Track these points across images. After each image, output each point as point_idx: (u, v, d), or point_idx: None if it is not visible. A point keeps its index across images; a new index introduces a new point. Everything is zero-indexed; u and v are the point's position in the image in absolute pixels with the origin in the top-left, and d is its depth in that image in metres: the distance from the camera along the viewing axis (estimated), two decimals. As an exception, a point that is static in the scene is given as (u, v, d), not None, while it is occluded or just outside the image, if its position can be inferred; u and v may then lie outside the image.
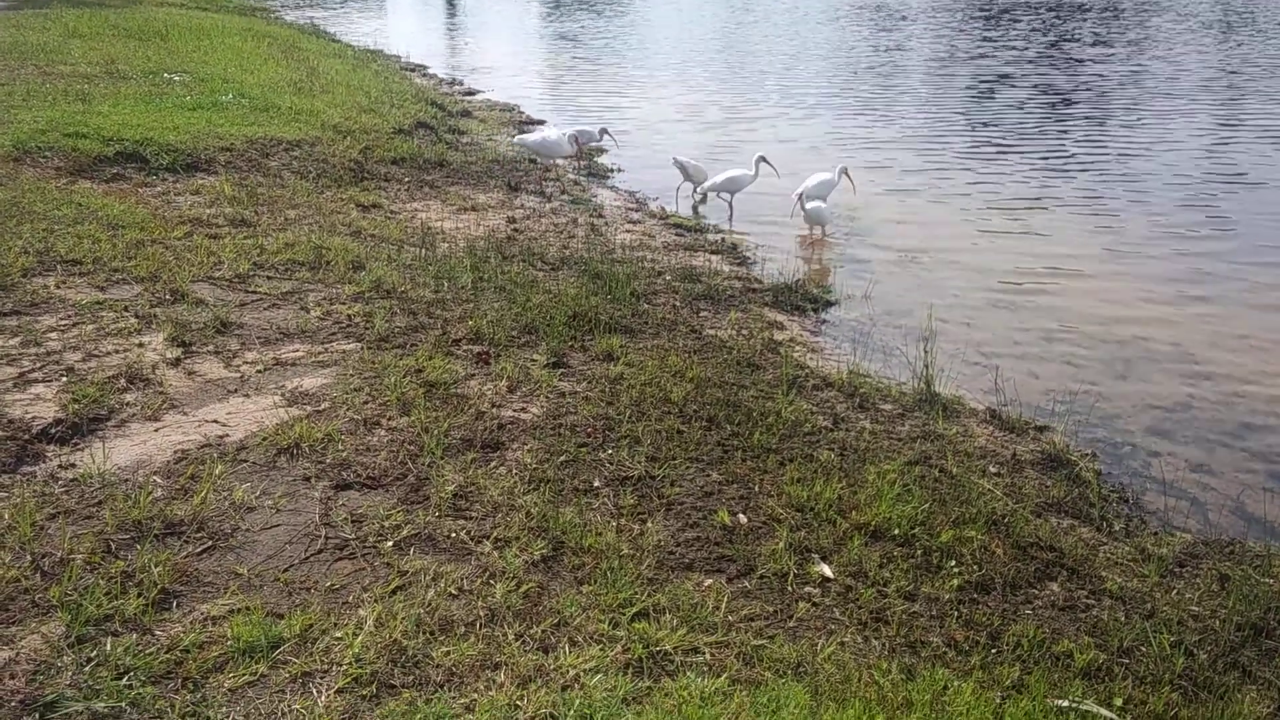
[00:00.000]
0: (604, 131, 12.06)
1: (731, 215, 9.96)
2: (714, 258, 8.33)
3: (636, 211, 9.98)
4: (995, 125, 14.52)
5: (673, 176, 10.69)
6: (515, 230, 8.42)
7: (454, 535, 3.67)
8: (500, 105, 16.10)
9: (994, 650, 3.38)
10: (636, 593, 3.40)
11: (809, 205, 8.97)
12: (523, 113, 15.53)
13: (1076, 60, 20.78)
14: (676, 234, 9.16)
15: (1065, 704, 3.08)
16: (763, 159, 9.80)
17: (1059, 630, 3.55)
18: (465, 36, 29.52)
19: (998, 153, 12.79)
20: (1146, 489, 5.04)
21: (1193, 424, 5.78)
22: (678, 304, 6.76)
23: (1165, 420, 5.82)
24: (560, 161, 11.67)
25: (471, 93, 17.58)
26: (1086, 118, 14.86)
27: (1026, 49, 22.51)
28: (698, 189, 10.39)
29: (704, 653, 3.16)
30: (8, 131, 8.79)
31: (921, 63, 21.08)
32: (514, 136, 12.24)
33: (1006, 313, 7.46)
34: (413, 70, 19.66)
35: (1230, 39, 23.46)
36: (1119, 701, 3.15)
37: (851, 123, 14.87)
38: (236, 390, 4.71)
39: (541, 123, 14.92)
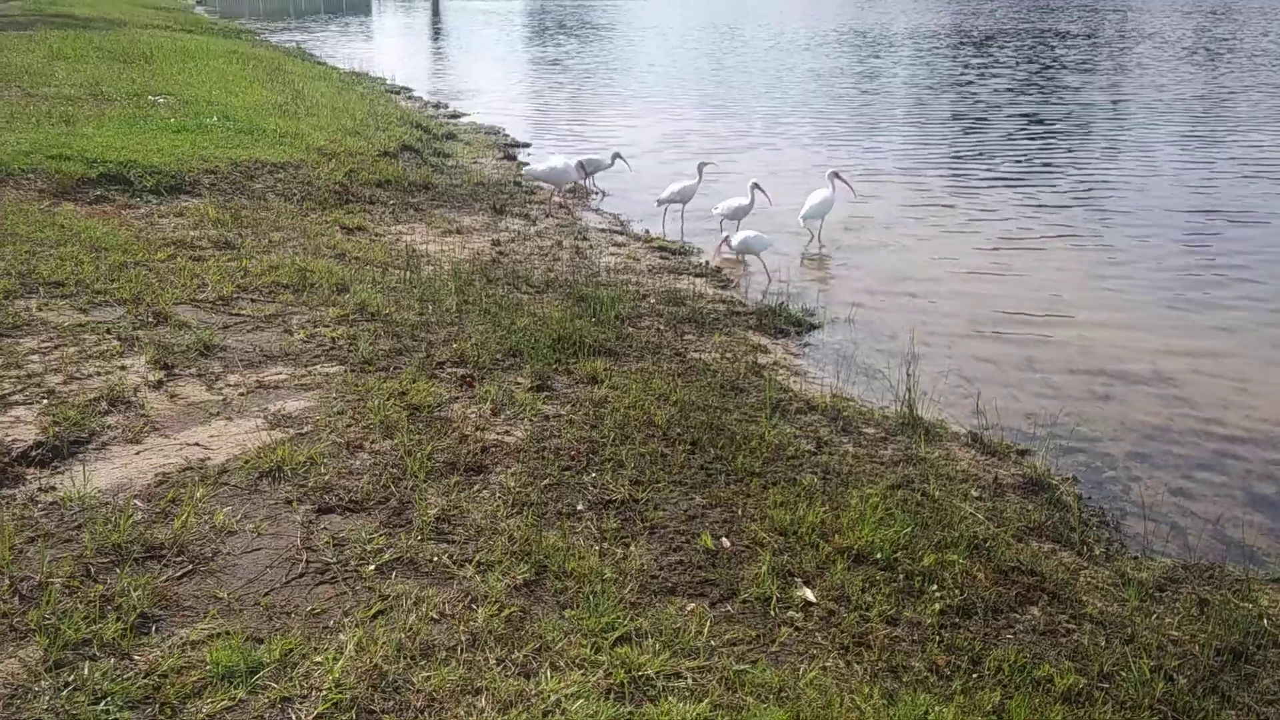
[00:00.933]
0: (616, 156, 11.85)
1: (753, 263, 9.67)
2: (698, 281, 8.36)
3: (621, 234, 10.02)
4: (979, 151, 14.65)
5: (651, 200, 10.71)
6: (500, 253, 8.44)
7: (436, 559, 3.66)
8: (485, 128, 16.15)
9: (975, 675, 3.39)
10: (619, 617, 3.39)
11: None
12: (508, 135, 15.58)
13: (1061, 87, 21.02)
14: (661, 257, 9.19)
15: (1046, 728, 3.08)
16: (756, 185, 9.68)
17: (1040, 655, 3.56)
18: (450, 60, 29.62)
19: (982, 180, 12.90)
20: (1127, 513, 5.07)
21: (1172, 449, 5.82)
22: (662, 327, 6.78)
23: (1145, 445, 5.86)
24: (567, 189, 11.53)
25: (456, 116, 17.63)
26: (1070, 145, 15.01)
27: (1011, 76, 22.76)
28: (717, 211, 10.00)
29: (686, 678, 3.16)
30: (-9, 152, 8.78)
31: (905, 89, 21.26)
32: (523, 168, 12.03)
33: (989, 338, 7.51)
34: (398, 93, 19.71)
35: (1211, 65, 23.73)
36: (1099, 726, 3.16)
37: (837, 148, 14.96)
38: (219, 413, 4.69)
39: (526, 145, 14.98)
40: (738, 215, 9.64)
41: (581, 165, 11.18)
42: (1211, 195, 11.87)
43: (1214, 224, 10.67)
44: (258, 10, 46.76)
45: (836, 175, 9.84)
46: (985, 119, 17.34)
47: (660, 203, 10.48)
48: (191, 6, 41.99)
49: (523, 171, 11.91)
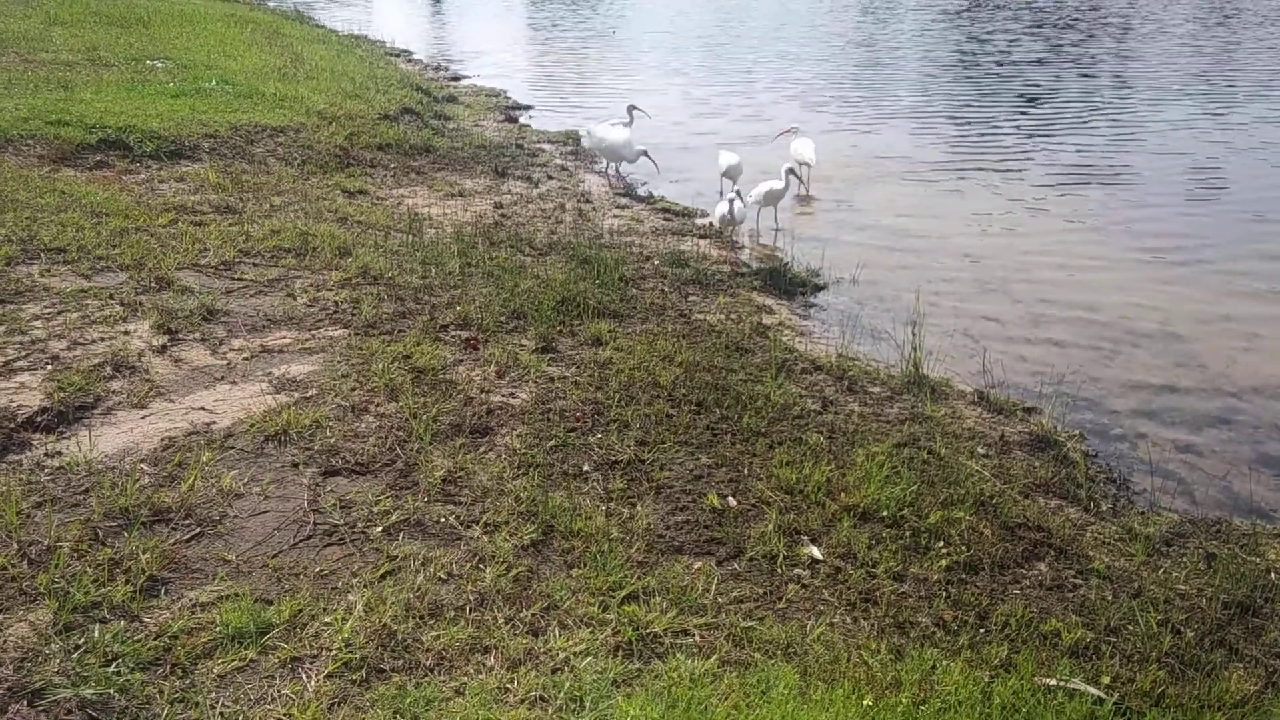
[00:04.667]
0: (632, 108, 11.51)
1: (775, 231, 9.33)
2: (702, 242, 8.32)
3: (624, 197, 9.96)
4: (985, 113, 14.51)
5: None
6: (502, 216, 8.40)
7: (443, 520, 3.66)
8: (486, 91, 16.01)
9: (982, 630, 3.40)
10: (626, 576, 3.40)
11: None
12: (509, 98, 15.46)
13: (1066, 53, 20.77)
14: (664, 219, 9.14)
15: (1053, 682, 3.09)
16: (791, 170, 9.08)
17: (1047, 609, 3.56)
18: (450, 23, 29.35)
19: (986, 140, 12.79)
20: (1133, 469, 5.06)
21: (1179, 405, 5.80)
22: (666, 289, 6.75)
23: (1152, 401, 5.84)
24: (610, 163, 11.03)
25: (457, 79, 17.49)
26: (1079, 106, 14.83)
27: (1022, 40, 22.48)
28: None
29: (693, 635, 3.17)
30: (-11, 119, 8.72)
31: (912, 52, 21.03)
32: (585, 134, 11.24)
33: (994, 296, 7.47)
34: (398, 56, 19.54)
35: (1215, 40, 23.44)
36: (1106, 679, 3.16)
37: (844, 107, 14.84)
38: (224, 377, 4.69)
39: (529, 108, 14.86)
40: (771, 200, 9.05)
41: (645, 152, 10.55)
42: (1221, 158, 11.75)
43: (1223, 183, 10.57)
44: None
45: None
46: (993, 82, 17.16)
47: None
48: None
49: (585, 133, 11.22)
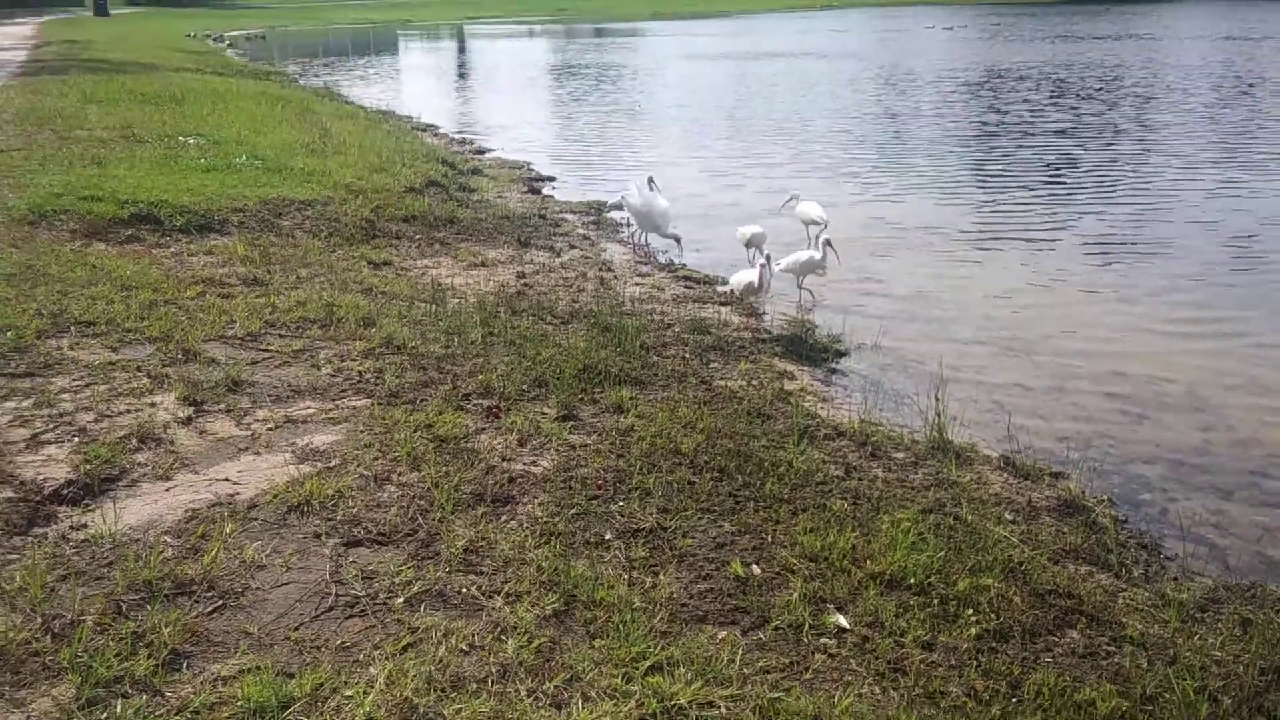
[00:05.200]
0: (650, 180, 11.01)
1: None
2: (723, 309, 8.35)
3: (645, 265, 10.03)
4: (1008, 182, 14.55)
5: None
6: (525, 285, 8.47)
7: (465, 590, 3.64)
8: (510, 163, 16.26)
9: (1014, 700, 3.33)
10: (650, 646, 3.36)
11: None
12: (533, 170, 15.68)
13: (1082, 116, 20.91)
14: (685, 286, 9.19)
15: (1088, 755, 3.02)
16: (828, 242, 8.88)
17: (1080, 678, 3.49)
18: (475, 97, 29.90)
19: (1009, 209, 12.81)
20: (1165, 535, 4.98)
21: (1209, 469, 5.73)
22: (687, 355, 6.77)
23: (1181, 466, 5.77)
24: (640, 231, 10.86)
25: (481, 151, 17.77)
26: (1102, 172, 14.88)
27: (1042, 105, 22.65)
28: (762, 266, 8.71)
29: (719, 706, 3.12)
30: (25, 195, 8.92)
31: (933, 122, 21.20)
32: (625, 195, 10.83)
33: (1018, 360, 7.43)
34: (424, 130, 19.91)
35: (1231, 106, 23.54)
36: (1143, 752, 3.09)
37: (864, 177, 14.95)
38: (247, 448, 4.72)
39: (551, 179, 15.05)
40: (806, 270, 8.90)
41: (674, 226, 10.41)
42: (1243, 220, 11.73)
43: (1246, 249, 10.53)
44: (287, 52, 47.46)
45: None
46: (1017, 148, 17.26)
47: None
48: (223, 49, 42.68)
49: (620, 198, 11.01)
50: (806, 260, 8.80)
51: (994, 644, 3.64)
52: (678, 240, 10.43)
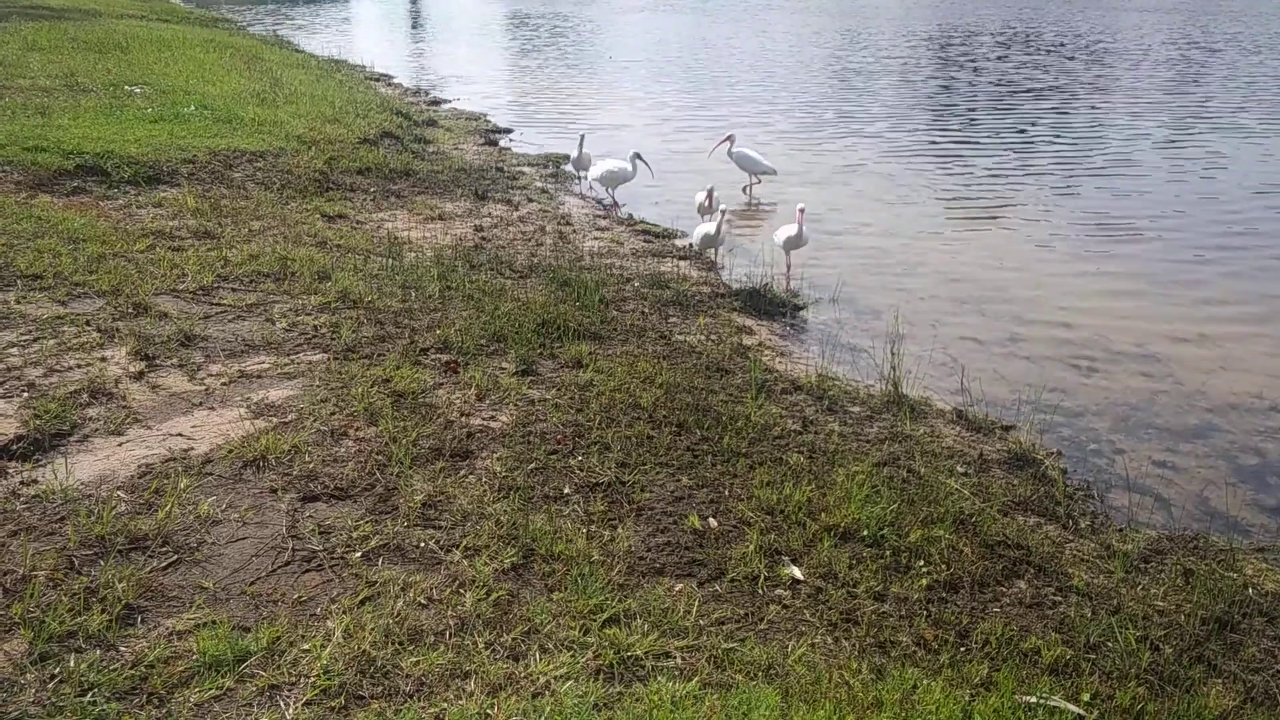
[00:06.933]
0: (637, 156, 10.87)
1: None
2: (682, 264, 8.34)
3: (604, 219, 9.99)
4: (961, 132, 14.65)
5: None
6: (483, 239, 8.40)
7: (423, 545, 3.65)
8: (466, 114, 16.07)
9: (963, 648, 3.41)
10: (607, 598, 3.39)
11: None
12: (489, 121, 15.51)
13: (1041, 74, 20.99)
14: (644, 240, 9.17)
15: (1033, 700, 3.10)
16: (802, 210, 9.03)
17: (1027, 627, 3.57)
18: (429, 47, 29.42)
19: (962, 159, 12.91)
20: (1111, 486, 5.09)
21: (1156, 421, 5.85)
22: (646, 310, 6.77)
23: (1129, 418, 5.89)
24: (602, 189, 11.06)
25: (437, 102, 17.53)
26: (1057, 130, 14.99)
27: (997, 65, 22.70)
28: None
29: (675, 657, 3.16)
30: (-35, 146, 8.68)
31: (889, 75, 21.20)
32: (582, 171, 11.35)
33: (972, 315, 7.52)
34: (377, 80, 19.58)
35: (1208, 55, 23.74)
36: (1086, 697, 3.17)
37: (823, 127, 14.95)
38: (201, 403, 4.67)
39: (509, 131, 14.90)
40: (791, 245, 8.61)
41: (637, 155, 10.72)
42: (1193, 174, 11.90)
43: (1198, 204, 10.71)
44: (234, -1, 46.31)
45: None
46: (968, 102, 17.32)
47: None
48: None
49: (586, 176, 11.31)
50: (788, 237, 8.45)
51: (944, 594, 3.72)
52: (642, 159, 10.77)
